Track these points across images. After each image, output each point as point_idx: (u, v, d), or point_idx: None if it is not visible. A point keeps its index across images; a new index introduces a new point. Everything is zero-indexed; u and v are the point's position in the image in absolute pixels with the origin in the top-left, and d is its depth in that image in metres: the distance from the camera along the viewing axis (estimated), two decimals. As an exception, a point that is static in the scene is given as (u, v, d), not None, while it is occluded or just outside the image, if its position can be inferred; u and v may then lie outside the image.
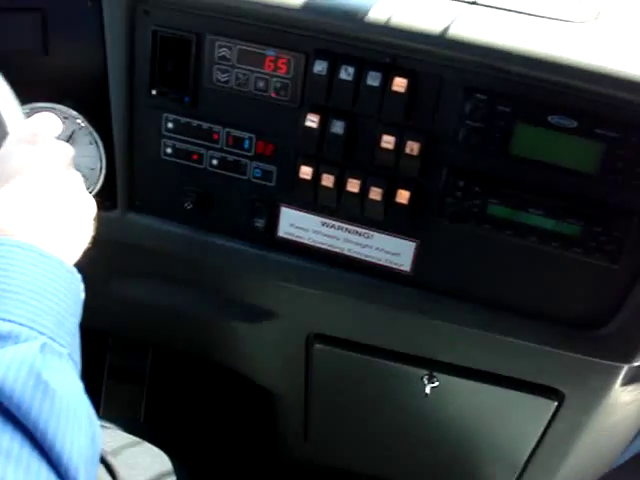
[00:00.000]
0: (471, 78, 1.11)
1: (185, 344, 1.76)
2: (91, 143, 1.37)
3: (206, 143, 1.29)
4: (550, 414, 1.46)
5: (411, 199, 1.20)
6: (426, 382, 1.47)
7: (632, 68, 1.06)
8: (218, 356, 1.73)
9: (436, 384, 1.47)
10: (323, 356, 1.51)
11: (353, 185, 1.21)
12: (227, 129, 1.27)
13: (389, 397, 1.58)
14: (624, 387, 1.39)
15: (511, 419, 1.53)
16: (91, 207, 0.94)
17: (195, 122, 1.28)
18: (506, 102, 1.11)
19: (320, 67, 1.16)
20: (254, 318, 1.48)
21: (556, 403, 1.43)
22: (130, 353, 1.99)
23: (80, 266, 0.86)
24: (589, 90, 1.07)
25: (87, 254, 0.92)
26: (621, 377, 1.34)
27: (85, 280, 0.85)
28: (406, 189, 1.20)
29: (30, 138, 0.90)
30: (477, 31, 1.09)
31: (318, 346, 1.49)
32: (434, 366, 1.46)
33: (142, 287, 1.53)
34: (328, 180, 1.22)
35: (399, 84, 1.13)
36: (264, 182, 1.28)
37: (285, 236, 1.32)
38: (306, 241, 1.31)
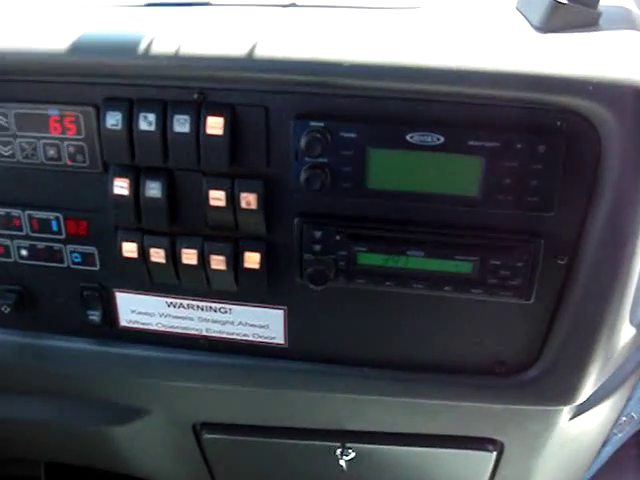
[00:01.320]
0: (302, 103, 0.87)
1: (67, 456, 1.49)
2: None
3: (8, 232, 1.03)
4: (491, 466, 1.23)
5: (262, 261, 0.95)
6: (339, 455, 1.23)
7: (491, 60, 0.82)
8: (106, 464, 1.47)
9: (352, 456, 1.22)
10: (216, 445, 1.26)
11: (189, 256, 0.96)
12: (28, 211, 1.01)
13: (303, 478, 1.33)
14: (572, 421, 1.16)
15: (449, 478, 1.29)
16: None
17: (-11, 209, 1.02)
18: (351, 126, 0.86)
19: (113, 120, 0.91)
20: (126, 419, 1.23)
21: (495, 453, 1.20)
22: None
23: None
24: (451, 93, 0.83)
25: None
26: (564, 416, 1.11)
27: None
28: (254, 251, 0.95)
29: None
30: (300, 43, 0.85)
31: (208, 436, 1.24)
32: (345, 437, 1.22)
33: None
34: (158, 255, 0.97)
35: (214, 125, 0.88)
36: (87, 267, 1.03)
37: (128, 325, 1.07)
38: (155, 327, 1.07)
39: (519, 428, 1.16)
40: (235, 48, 0.86)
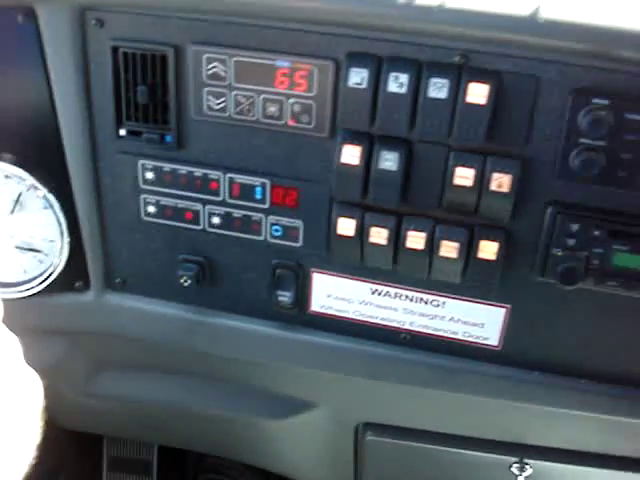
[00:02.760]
0: (582, 76, 0.74)
1: (201, 446, 1.39)
2: (45, 208, 1.01)
3: (202, 196, 0.92)
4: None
5: (500, 253, 0.83)
6: (517, 472, 1.12)
7: None
8: (245, 457, 1.36)
9: (529, 472, 1.11)
10: (377, 448, 1.15)
11: (416, 240, 0.85)
12: (229, 174, 0.90)
13: (469, 493, 1.21)
14: None
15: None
16: (35, 389, 0.57)
17: (184, 168, 0.91)
18: None
19: (358, 78, 0.79)
20: (289, 413, 1.12)
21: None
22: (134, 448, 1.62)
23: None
24: None
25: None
26: None
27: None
28: (493, 240, 0.84)
29: None
30: (584, 8, 0.72)
31: (371, 438, 1.12)
32: (525, 451, 1.10)
33: (134, 383, 1.16)
34: (379, 235, 0.86)
35: (477, 92, 0.76)
36: (287, 242, 0.93)
37: (321, 311, 0.97)
38: (351, 315, 0.95)
39: None
40: (507, 7, 0.74)
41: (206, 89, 0.87)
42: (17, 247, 1.06)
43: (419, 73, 0.79)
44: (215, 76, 0.86)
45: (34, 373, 0.60)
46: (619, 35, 0.74)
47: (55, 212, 1.01)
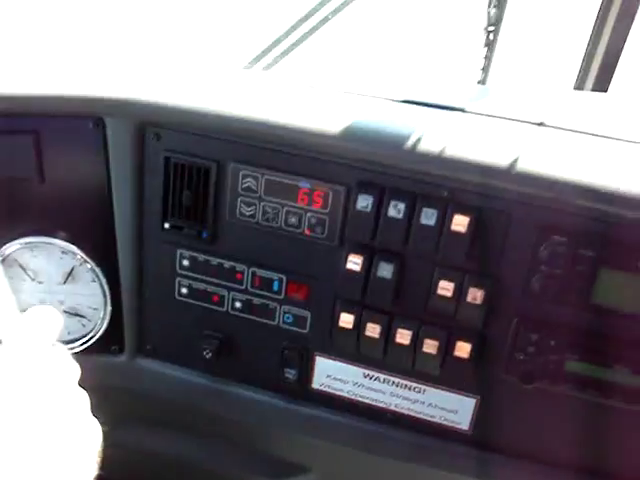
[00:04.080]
0: (546, 216, 0.93)
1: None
2: (94, 280, 1.19)
3: (228, 283, 1.10)
4: None
5: (473, 352, 1.00)
6: None
7: None
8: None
9: None
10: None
11: (403, 336, 1.02)
12: (253, 268, 1.08)
13: None
14: None
15: None
16: (96, 437, 0.74)
17: (215, 260, 1.10)
18: (589, 245, 0.92)
19: (364, 202, 0.98)
20: (283, 475, 1.28)
21: None
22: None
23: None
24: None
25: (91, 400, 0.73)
26: None
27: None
28: (467, 341, 1.01)
29: (25, 351, 0.70)
30: (550, 162, 0.91)
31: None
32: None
33: (153, 437, 1.32)
34: (373, 330, 1.03)
35: (459, 222, 0.95)
36: (296, 329, 1.10)
37: (320, 388, 1.14)
38: (345, 394, 1.13)
39: None
40: (485, 157, 0.93)
41: (240, 198, 1.06)
42: (65, 311, 1.24)
43: (414, 203, 0.98)
44: (248, 189, 1.05)
45: (97, 425, 0.76)
46: (577, 188, 0.92)
47: (101, 285, 1.19)
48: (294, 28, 1.34)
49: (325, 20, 1.32)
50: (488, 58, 1.47)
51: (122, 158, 1.09)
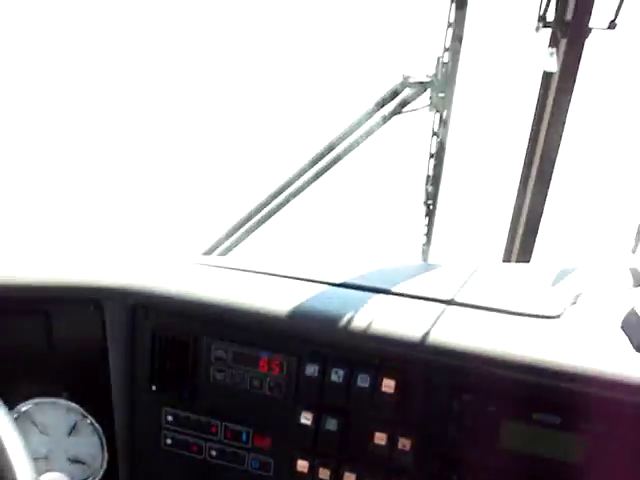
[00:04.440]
0: (457, 378, 1.17)
1: None
2: (93, 433, 1.41)
3: (205, 435, 1.33)
4: None
5: (408, 487, 1.23)
6: None
7: (607, 366, 1.12)
8: None
9: None
10: None
11: (349, 478, 1.24)
12: (225, 423, 1.31)
13: None
14: None
15: None
16: None
17: (194, 416, 1.33)
18: (492, 401, 1.16)
19: (312, 369, 1.22)
20: None
21: None
22: None
23: None
24: (571, 389, 1.13)
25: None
26: None
27: None
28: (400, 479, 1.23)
29: None
30: (458, 335, 1.17)
31: None
32: None
33: None
34: (324, 473, 1.26)
35: (388, 385, 1.19)
36: (262, 472, 1.32)
37: (284, 523, 1.34)
38: (306, 527, 1.33)
39: None
40: (406, 333, 1.18)
41: (212, 366, 1.30)
42: (68, 459, 1.47)
43: (351, 369, 1.22)
44: (219, 358, 1.30)
45: None
46: (481, 356, 1.17)
47: (100, 436, 1.42)
48: (249, 217, 1.61)
49: (278, 208, 1.60)
50: (428, 235, 1.74)
51: (117, 333, 1.34)
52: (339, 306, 1.23)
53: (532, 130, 1.66)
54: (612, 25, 1.50)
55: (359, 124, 1.64)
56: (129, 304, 1.31)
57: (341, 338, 1.22)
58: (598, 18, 1.49)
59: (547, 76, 1.49)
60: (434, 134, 1.56)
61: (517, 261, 1.73)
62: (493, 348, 1.16)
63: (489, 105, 5.82)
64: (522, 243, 1.68)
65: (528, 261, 1.71)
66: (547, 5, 1.38)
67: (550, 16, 1.49)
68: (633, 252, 1.74)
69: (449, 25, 1.40)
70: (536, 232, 1.65)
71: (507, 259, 1.77)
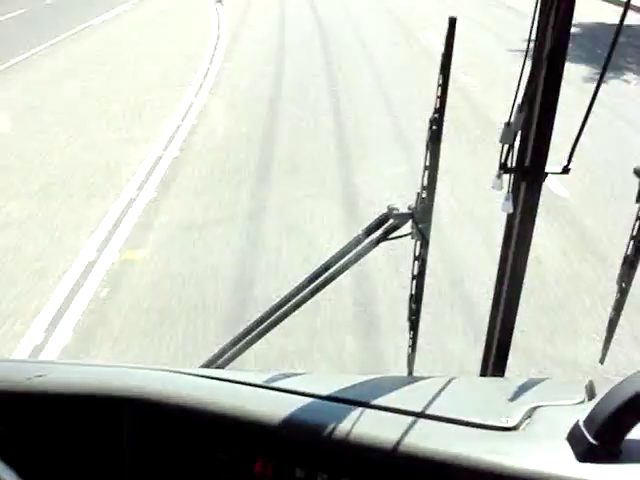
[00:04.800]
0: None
1: None
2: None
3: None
4: None
5: None
6: None
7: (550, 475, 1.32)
8: None
9: None
10: None
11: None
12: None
13: None
14: None
15: None
16: None
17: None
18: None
19: (301, 473, 1.44)
20: None
21: None
22: None
23: None
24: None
25: None
26: None
27: None
28: None
29: None
30: (424, 445, 1.38)
31: None
32: None
33: None
34: None
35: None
36: None
37: None
38: None
39: None
40: (379, 442, 1.41)
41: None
42: None
43: (335, 474, 1.44)
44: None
45: None
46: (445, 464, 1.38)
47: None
48: (249, 331, 1.86)
49: (277, 322, 1.84)
50: (412, 346, 1.97)
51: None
52: (325, 419, 1.46)
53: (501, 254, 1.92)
54: (566, 170, 1.77)
55: (350, 248, 1.90)
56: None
57: (325, 446, 1.43)
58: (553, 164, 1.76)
59: (510, 216, 1.77)
60: (416, 258, 1.83)
61: (492, 374, 1.95)
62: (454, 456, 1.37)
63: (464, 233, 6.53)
64: (494, 361, 1.90)
65: (502, 374, 1.93)
66: (507, 154, 1.66)
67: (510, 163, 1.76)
68: (601, 362, 1.96)
69: (425, 168, 1.69)
70: (508, 346, 1.88)
71: (483, 375, 1.99)
